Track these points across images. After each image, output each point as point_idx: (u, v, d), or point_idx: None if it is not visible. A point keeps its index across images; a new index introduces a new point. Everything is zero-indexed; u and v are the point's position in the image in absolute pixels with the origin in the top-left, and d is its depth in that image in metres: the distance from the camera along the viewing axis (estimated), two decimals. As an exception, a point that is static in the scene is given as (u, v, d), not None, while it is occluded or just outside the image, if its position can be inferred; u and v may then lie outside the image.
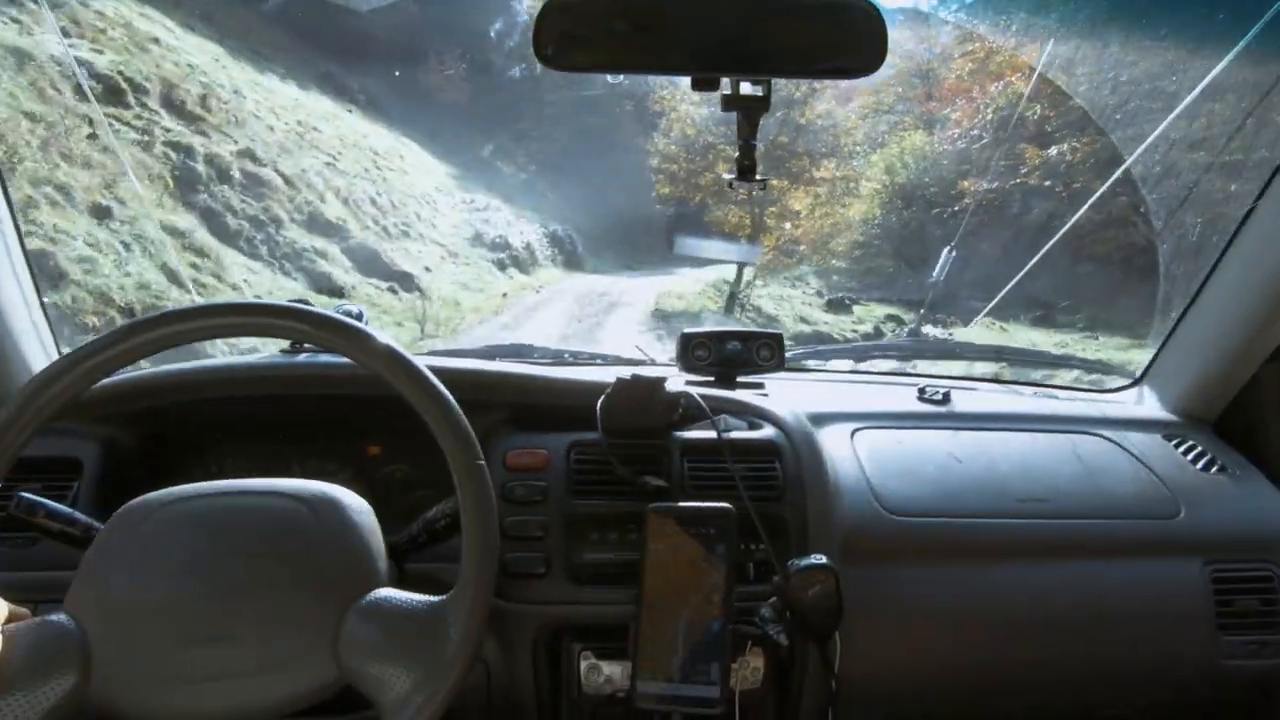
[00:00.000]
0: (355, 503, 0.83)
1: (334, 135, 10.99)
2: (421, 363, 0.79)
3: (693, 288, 11.26)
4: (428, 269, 9.85)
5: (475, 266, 10.91)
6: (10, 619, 0.73)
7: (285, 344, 1.14)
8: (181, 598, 0.74)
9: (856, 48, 0.85)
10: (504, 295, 10.32)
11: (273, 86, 11.00)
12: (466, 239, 11.44)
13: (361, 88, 12.99)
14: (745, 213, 11.75)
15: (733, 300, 10.62)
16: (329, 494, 0.82)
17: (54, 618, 0.73)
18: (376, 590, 0.77)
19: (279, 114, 10.26)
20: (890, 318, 9.48)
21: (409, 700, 0.72)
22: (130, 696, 0.72)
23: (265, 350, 1.17)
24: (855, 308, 10.10)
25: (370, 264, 8.87)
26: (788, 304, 10.52)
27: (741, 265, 10.95)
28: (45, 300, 1.23)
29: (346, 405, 1.11)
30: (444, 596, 0.76)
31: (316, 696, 0.74)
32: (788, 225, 11.58)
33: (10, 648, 0.70)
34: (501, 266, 11.39)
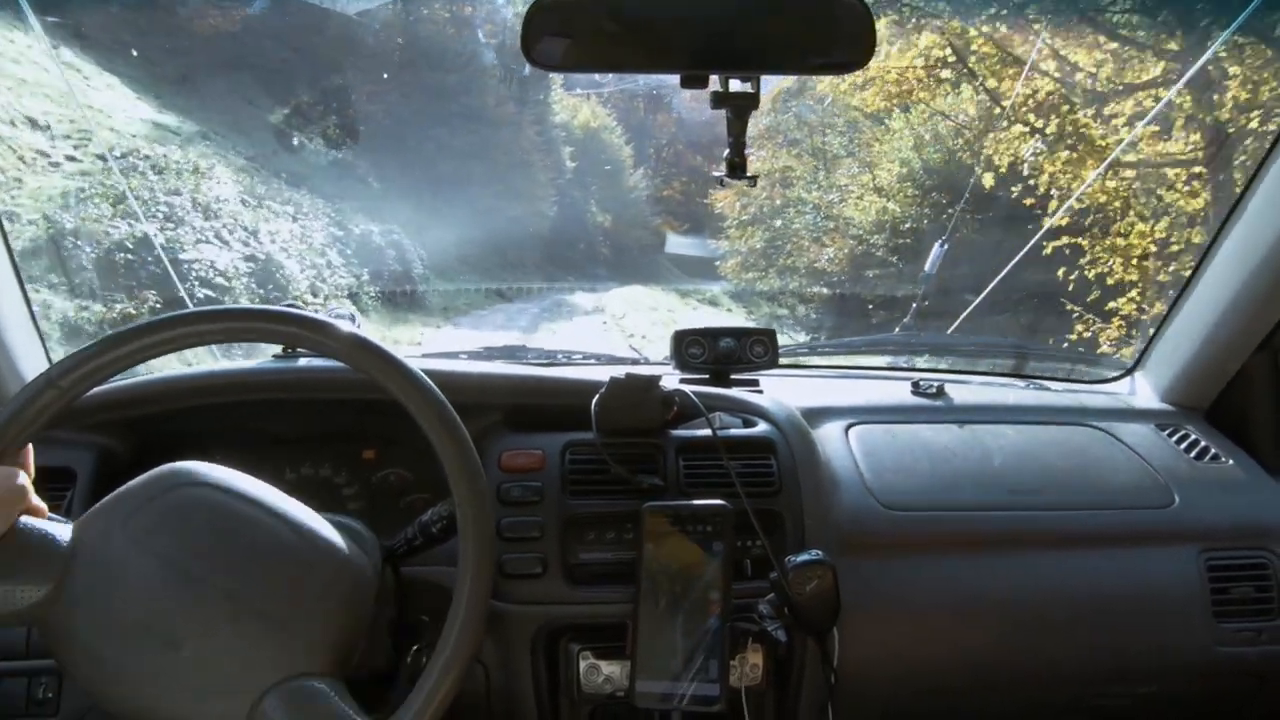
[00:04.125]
0: (360, 565, 0.78)
1: None
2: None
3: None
4: None
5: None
6: (27, 510, 0.71)
7: (278, 349, 1.13)
8: (162, 583, 0.71)
9: (845, 43, 0.85)
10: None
11: None
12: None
13: (62, 15, 7.99)
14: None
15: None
16: (339, 550, 0.77)
17: (58, 532, 0.71)
18: (316, 679, 0.70)
19: None
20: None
21: None
22: (79, 648, 0.70)
23: (260, 355, 1.16)
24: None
25: None
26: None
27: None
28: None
29: (341, 409, 1.11)
30: None
31: None
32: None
33: (10, 539, 0.68)
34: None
